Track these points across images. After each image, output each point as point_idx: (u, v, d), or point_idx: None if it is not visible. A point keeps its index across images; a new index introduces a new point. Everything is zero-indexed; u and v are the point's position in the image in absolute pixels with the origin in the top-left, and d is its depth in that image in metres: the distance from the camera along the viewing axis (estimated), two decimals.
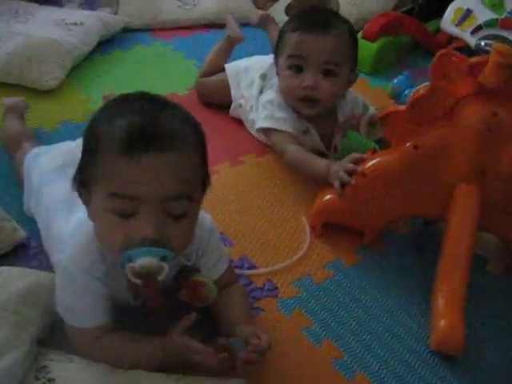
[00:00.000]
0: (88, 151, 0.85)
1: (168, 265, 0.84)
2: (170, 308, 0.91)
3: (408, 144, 1.16)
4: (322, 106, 1.45)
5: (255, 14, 2.11)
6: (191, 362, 0.90)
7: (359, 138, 1.59)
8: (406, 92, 1.80)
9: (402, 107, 1.16)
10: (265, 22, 2.03)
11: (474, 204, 1.14)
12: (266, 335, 0.91)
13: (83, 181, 0.86)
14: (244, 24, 2.06)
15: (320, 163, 1.32)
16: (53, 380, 0.87)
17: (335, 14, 1.51)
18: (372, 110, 1.53)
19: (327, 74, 1.41)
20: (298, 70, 1.42)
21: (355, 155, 1.25)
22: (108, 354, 0.91)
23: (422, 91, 1.14)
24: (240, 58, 1.77)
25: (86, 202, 0.88)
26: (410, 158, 1.16)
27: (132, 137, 0.79)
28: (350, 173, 1.22)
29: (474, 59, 1.09)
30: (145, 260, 0.82)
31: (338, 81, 1.43)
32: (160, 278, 0.84)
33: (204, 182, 0.90)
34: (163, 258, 0.83)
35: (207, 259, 1.00)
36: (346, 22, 1.47)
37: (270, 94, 1.50)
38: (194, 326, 0.93)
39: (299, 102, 1.45)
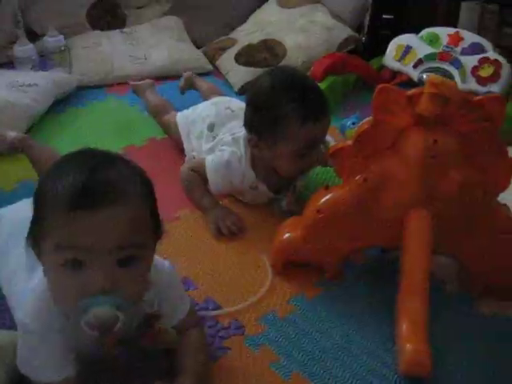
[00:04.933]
0: (36, 209, 0.87)
1: (124, 313, 0.83)
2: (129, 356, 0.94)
3: (357, 177, 1.19)
4: None
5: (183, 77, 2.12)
6: None
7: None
8: (348, 123, 1.85)
9: (349, 142, 1.19)
10: (191, 82, 2.07)
11: (426, 227, 1.17)
12: None
13: (34, 237, 0.87)
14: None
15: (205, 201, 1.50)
16: None
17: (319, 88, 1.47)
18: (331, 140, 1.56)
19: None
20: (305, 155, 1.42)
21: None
22: None
23: (365, 126, 1.18)
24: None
25: (39, 259, 0.88)
26: (360, 191, 1.19)
27: (74, 193, 0.80)
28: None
29: (410, 91, 1.13)
30: (98, 310, 0.81)
31: None
32: (116, 328, 0.83)
33: (156, 230, 0.90)
34: (118, 307, 0.83)
35: (166, 305, 1.00)
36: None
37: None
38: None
39: (294, 173, 1.48)
